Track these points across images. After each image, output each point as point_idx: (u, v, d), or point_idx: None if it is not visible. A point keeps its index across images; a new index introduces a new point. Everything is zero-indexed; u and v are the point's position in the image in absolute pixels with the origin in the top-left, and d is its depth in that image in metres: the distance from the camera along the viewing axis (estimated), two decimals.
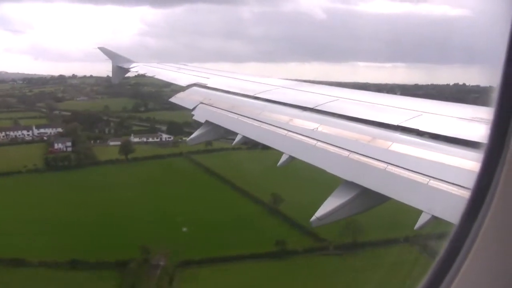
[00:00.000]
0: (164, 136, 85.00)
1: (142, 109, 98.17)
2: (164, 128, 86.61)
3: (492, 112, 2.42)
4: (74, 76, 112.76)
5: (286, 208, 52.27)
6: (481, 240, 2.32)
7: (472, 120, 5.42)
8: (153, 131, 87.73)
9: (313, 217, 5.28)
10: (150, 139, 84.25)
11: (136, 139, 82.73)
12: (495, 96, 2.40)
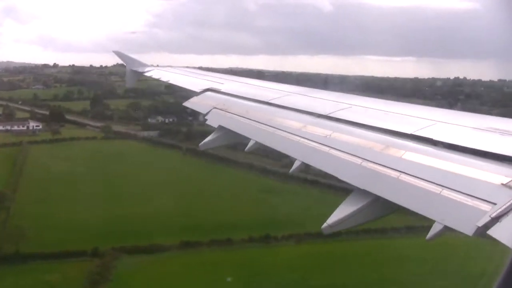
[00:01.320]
0: (32, 125, 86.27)
1: (75, 96, 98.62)
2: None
3: None
4: (55, 66, 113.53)
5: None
6: None
7: (487, 130, 5.40)
8: (24, 119, 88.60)
9: (325, 224, 5.29)
10: (15, 127, 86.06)
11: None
12: None
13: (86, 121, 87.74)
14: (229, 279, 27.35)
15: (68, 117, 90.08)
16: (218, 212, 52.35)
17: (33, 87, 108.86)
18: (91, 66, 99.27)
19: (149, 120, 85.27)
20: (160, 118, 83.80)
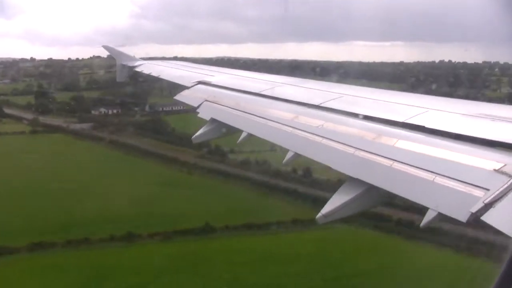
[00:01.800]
0: None
1: (34, 90, 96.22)
2: None
3: None
4: (32, 59, 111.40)
5: None
6: None
7: (478, 116, 5.41)
8: None
9: (319, 214, 5.29)
10: None
11: None
12: None
13: (26, 115, 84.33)
14: None
15: (10, 111, 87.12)
16: (92, 209, 46.96)
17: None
18: (68, 59, 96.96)
19: (93, 112, 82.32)
20: (103, 110, 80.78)
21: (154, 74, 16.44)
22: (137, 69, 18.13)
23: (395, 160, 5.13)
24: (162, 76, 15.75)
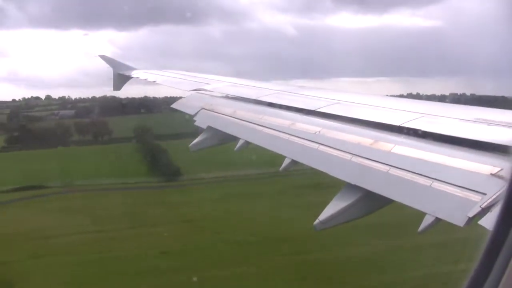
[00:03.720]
0: None
1: None
2: None
3: None
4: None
5: None
6: None
7: (475, 121, 5.42)
8: None
9: (316, 221, 5.28)
10: None
11: None
12: None
13: None
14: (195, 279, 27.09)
15: None
16: None
17: None
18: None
19: None
20: None
21: (151, 80, 16.46)
22: (134, 76, 18.15)
23: (392, 166, 5.13)
24: (158, 83, 15.76)
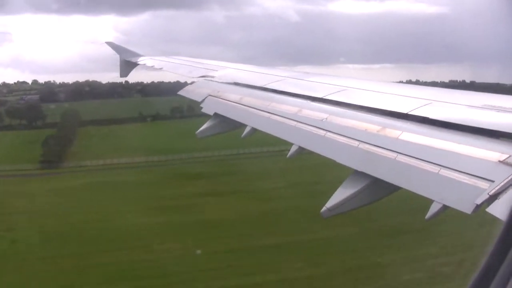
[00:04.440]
0: None
1: None
2: None
3: None
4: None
5: None
6: None
7: (482, 107, 5.38)
8: None
9: (324, 208, 5.29)
10: None
11: None
12: None
13: None
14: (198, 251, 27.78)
15: None
16: None
17: None
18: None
19: None
20: None
21: (157, 67, 16.44)
22: (140, 63, 18.13)
23: (400, 153, 5.11)
24: (165, 70, 15.74)
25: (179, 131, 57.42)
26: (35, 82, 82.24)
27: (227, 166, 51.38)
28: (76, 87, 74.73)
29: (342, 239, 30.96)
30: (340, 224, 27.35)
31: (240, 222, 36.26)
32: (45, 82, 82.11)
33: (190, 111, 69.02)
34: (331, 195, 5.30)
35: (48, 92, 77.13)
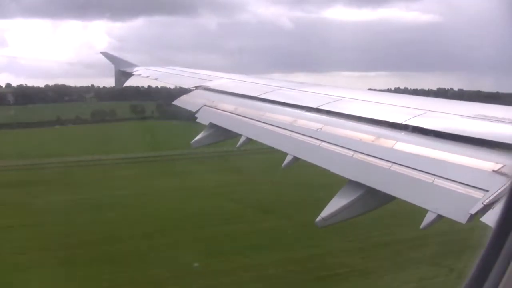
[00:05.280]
0: None
1: None
2: None
3: None
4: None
5: None
6: None
7: (476, 117, 5.41)
8: None
9: (318, 218, 5.29)
10: None
11: None
12: None
13: None
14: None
15: None
16: None
17: None
18: None
19: None
20: None
21: (153, 77, 16.44)
22: (135, 73, 18.12)
23: (394, 162, 5.12)
24: (160, 80, 15.74)
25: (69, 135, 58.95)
26: (8, 85, 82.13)
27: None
28: (22, 91, 75.16)
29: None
30: None
31: None
32: (17, 86, 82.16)
33: (112, 115, 71.18)
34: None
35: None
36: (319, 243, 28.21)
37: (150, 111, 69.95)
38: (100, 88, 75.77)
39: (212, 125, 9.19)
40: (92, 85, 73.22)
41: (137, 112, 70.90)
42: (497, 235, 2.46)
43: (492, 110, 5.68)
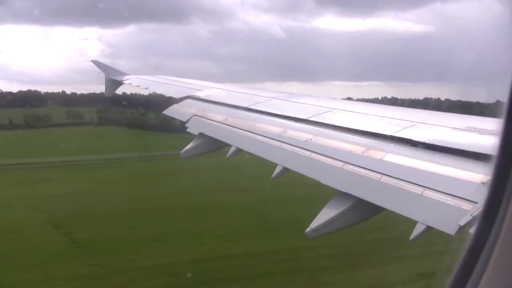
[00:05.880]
0: None
1: None
2: None
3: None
4: None
5: None
6: (501, 243, 2.29)
7: (466, 130, 5.43)
8: None
9: (308, 229, 5.26)
10: None
11: None
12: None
13: None
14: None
15: None
16: None
17: None
18: None
19: None
20: None
21: (143, 86, 16.40)
22: (126, 82, 18.07)
23: (384, 174, 5.12)
24: (151, 89, 15.71)
25: None
26: None
27: None
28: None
29: None
30: None
31: None
32: None
33: (48, 120, 68.84)
34: None
35: None
36: None
37: (90, 118, 67.92)
38: (67, 94, 74.87)
39: (201, 135, 9.16)
40: (63, 91, 72.17)
41: (74, 118, 68.88)
42: (477, 240, 2.46)
43: (481, 122, 5.70)
